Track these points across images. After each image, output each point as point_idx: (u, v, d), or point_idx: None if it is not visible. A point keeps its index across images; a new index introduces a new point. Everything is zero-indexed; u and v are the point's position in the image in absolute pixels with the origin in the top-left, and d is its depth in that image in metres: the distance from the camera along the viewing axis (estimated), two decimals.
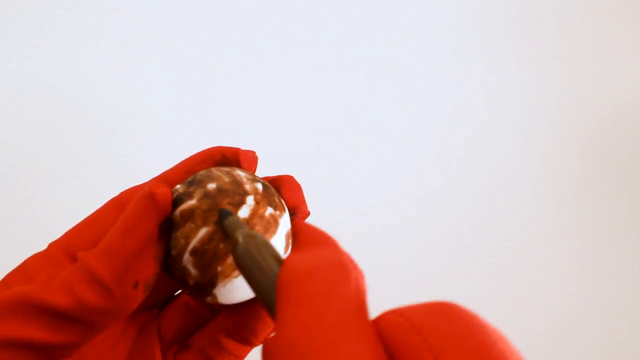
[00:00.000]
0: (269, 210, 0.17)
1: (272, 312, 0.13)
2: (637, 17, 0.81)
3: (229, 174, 0.18)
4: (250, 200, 0.17)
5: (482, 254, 0.69)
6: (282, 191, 0.19)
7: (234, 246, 0.15)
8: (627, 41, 0.80)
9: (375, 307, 0.67)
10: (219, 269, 0.16)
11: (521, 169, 0.73)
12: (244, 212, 0.17)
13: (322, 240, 0.14)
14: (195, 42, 0.75)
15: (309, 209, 0.70)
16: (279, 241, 0.17)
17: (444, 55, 0.77)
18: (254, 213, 0.17)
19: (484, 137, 0.74)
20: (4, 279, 0.17)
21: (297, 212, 0.19)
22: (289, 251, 0.17)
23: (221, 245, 0.16)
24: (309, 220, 0.71)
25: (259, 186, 0.18)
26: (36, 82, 0.72)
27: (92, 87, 0.72)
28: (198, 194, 0.17)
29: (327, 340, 0.10)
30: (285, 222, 0.17)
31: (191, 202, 0.17)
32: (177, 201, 0.17)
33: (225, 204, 0.17)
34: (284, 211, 0.18)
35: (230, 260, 0.16)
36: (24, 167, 0.68)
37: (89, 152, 0.70)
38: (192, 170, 0.19)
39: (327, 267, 0.12)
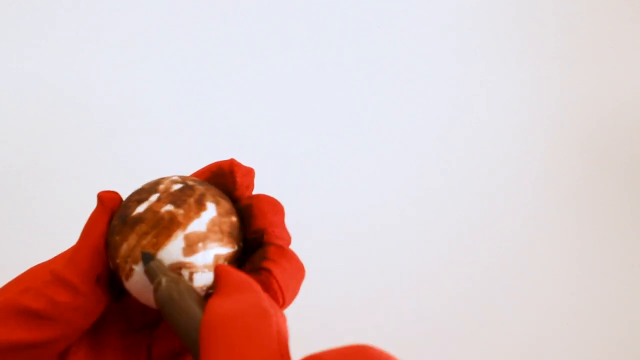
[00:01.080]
0: (167, 207, 0.17)
1: (195, 354, 0.13)
2: (637, 17, 0.81)
3: (164, 178, 0.18)
4: (153, 197, 0.17)
5: (482, 254, 0.69)
6: (255, 210, 0.19)
7: (155, 290, 0.15)
8: (627, 41, 0.80)
9: (376, 308, 0.67)
10: (117, 260, 0.17)
11: (521, 169, 0.73)
12: (141, 208, 0.17)
13: (243, 285, 0.14)
14: (195, 42, 0.75)
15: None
16: (177, 241, 0.16)
17: (444, 55, 0.77)
18: (149, 208, 0.17)
19: (484, 137, 0.74)
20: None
21: (269, 237, 0.18)
22: (197, 255, 0.17)
23: (116, 238, 0.17)
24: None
25: (176, 186, 0.18)
26: (36, 82, 0.72)
27: (92, 87, 0.72)
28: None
29: None
30: (195, 225, 0.17)
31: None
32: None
33: (133, 199, 0.18)
34: (197, 215, 0.17)
35: (123, 252, 0.17)
36: (24, 167, 0.68)
37: (89, 152, 0.70)
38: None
39: (248, 312, 0.13)
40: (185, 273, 0.16)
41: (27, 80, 0.72)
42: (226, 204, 0.18)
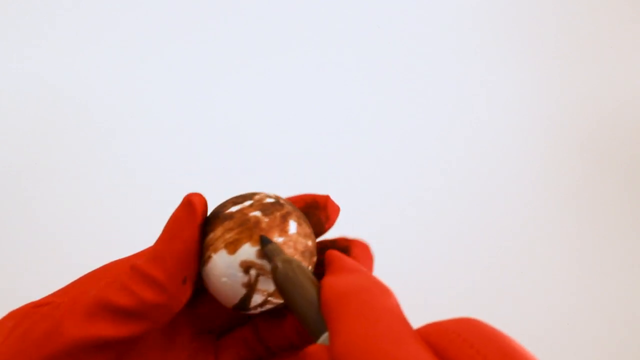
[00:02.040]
0: (255, 213, 0.19)
1: (314, 329, 0.15)
2: (637, 17, 0.81)
3: (263, 192, 0.20)
4: (247, 202, 0.19)
5: (482, 254, 0.69)
6: (352, 254, 0.20)
7: (273, 271, 0.17)
8: (627, 41, 0.80)
9: None
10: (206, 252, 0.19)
11: (521, 169, 0.73)
12: (234, 208, 0.19)
13: (356, 267, 0.16)
14: (195, 43, 0.75)
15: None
16: (255, 243, 0.19)
17: (444, 55, 0.78)
18: (240, 210, 0.19)
19: (484, 137, 0.74)
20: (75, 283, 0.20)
21: None
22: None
23: (206, 228, 0.19)
24: None
25: (269, 200, 0.20)
26: (36, 82, 0.72)
27: (92, 87, 0.72)
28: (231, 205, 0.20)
29: (390, 342, 0.12)
30: (274, 234, 0.19)
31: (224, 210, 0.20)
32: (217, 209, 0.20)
33: (230, 201, 0.20)
34: (278, 227, 0.19)
35: (207, 240, 0.19)
36: (24, 167, 0.68)
37: (89, 152, 0.70)
38: None
39: (369, 286, 0.14)
40: (252, 272, 0.18)
41: (27, 81, 0.72)
42: (307, 229, 0.20)
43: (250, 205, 0.19)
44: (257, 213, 0.19)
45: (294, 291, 0.16)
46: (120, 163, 0.69)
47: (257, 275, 0.18)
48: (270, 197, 0.20)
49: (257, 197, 0.20)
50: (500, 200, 0.72)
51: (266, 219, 0.19)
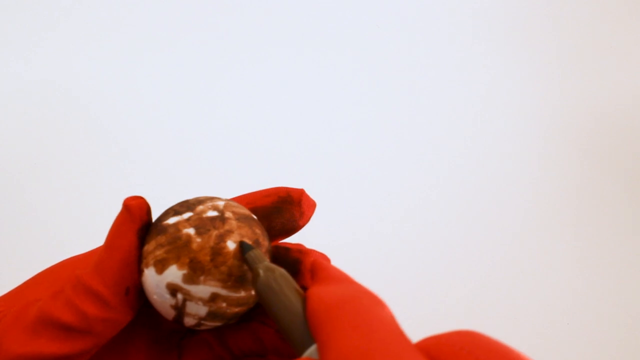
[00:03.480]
0: (189, 230, 0.17)
1: (299, 342, 0.14)
2: (637, 17, 0.81)
3: (214, 198, 0.18)
4: (186, 215, 0.18)
5: (482, 254, 0.69)
6: (303, 268, 0.19)
7: (254, 279, 0.16)
8: (627, 41, 0.80)
9: None
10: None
11: (521, 169, 0.73)
12: (171, 220, 0.17)
13: (343, 277, 0.15)
14: (196, 44, 0.75)
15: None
16: (181, 266, 0.17)
17: (444, 55, 0.77)
18: (175, 224, 0.17)
19: (484, 138, 0.74)
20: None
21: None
22: (196, 286, 0.17)
23: (145, 237, 0.18)
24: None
25: (211, 213, 0.18)
26: (37, 83, 0.72)
27: (92, 88, 0.72)
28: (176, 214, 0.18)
29: (388, 356, 0.11)
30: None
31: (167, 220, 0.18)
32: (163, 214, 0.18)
33: (173, 208, 0.18)
34: (211, 245, 0.17)
35: (142, 251, 0.17)
36: (24, 167, 0.68)
37: (89, 152, 0.70)
38: (255, 202, 0.20)
39: (360, 296, 0.13)
40: (179, 296, 0.17)
41: (28, 81, 0.72)
42: (265, 242, 0.19)
43: (187, 220, 0.17)
44: (191, 230, 0.17)
45: (276, 302, 0.15)
46: (120, 163, 0.69)
47: (184, 300, 0.17)
48: (215, 208, 0.18)
49: (200, 207, 0.18)
50: (500, 201, 0.72)
51: (198, 239, 0.17)
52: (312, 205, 0.20)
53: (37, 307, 0.16)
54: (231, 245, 0.17)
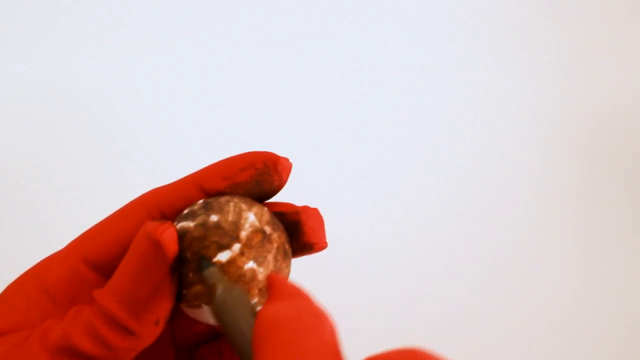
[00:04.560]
0: (250, 265, 0.17)
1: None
2: (637, 17, 0.81)
3: (241, 214, 0.18)
4: (236, 247, 0.17)
5: (482, 254, 0.69)
6: (304, 226, 0.19)
7: (211, 297, 0.16)
8: (627, 41, 0.80)
9: (378, 309, 0.67)
10: (185, 293, 0.17)
11: (521, 169, 0.73)
12: (223, 256, 0.17)
13: (294, 293, 0.15)
14: (196, 43, 0.75)
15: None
16: (253, 296, 0.17)
17: (444, 55, 0.78)
18: (232, 261, 0.17)
19: (484, 138, 0.74)
20: (18, 279, 0.18)
21: (315, 247, 0.19)
22: (260, 298, 0.18)
23: (190, 274, 0.17)
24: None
25: (258, 238, 0.18)
26: (37, 83, 0.72)
27: (92, 88, 0.72)
28: (197, 223, 0.17)
29: None
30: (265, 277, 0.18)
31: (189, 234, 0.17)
32: (182, 233, 0.17)
33: (212, 240, 0.17)
34: (271, 268, 0.17)
35: (194, 289, 0.17)
36: (24, 167, 0.68)
37: (89, 152, 0.70)
38: (233, 177, 0.19)
39: (302, 315, 0.13)
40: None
41: (28, 81, 0.72)
42: (288, 249, 0.19)
43: (242, 253, 0.17)
44: (252, 265, 0.17)
45: (231, 322, 0.15)
46: (120, 163, 0.69)
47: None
48: (255, 226, 0.18)
49: (243, 234, 0.17)
50: (500, 201, 0.72)
51: (261, 269, 0.17)
52: (288, 167, 0.19)
53: (59, 334, 0.16)
54: (282, 259, 0.18)
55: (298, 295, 0.14)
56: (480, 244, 0.70)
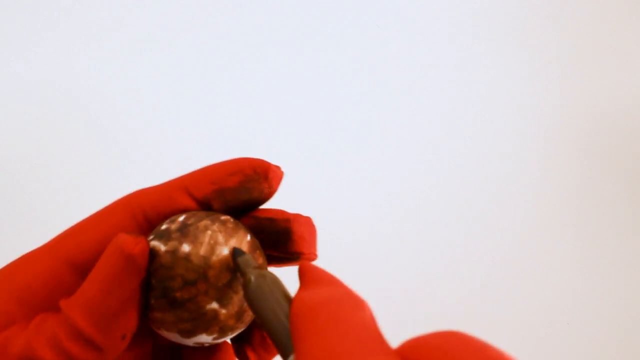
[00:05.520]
0: (213, 305, 0.17)
1: (283, 348, 0.13)
2: (637, 17, 0.81)
3: (216, 248, 0.17)
4: (202, 286, 0.17)
5: (482, 254, 0.69)
6: (294, 234, 0.19)
7: (246, 285, 0.15)
8: (627, 41, 0.80)
9: (378, 309, 0.67)
10: (147, 312, 0.17)
11: (521, 169, 0.73)
12: (186, 293, 0.17)
13: (329, 279, 0.14)
14: (196, 44, 0.75)
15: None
16: (211, 333, 0.17)
17: (444, 55, 0.77)
18: (195, 300, 0.17)
19: (484, 138, 0.74)
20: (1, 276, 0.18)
21: (303, 257, 0.19)
22: (223, 338, 0.17)
23: (153, 303, 0.17)
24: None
25: (226, 279, 0.17)
26: (37, 83, 0.72)
27: (92, 88, 0.72)
28: (168, 249, 0.17)
29: (358, 357, 0.11)
30: (231, 322, 0.17)
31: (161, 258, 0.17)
32: (153, 251, 0.17)
33: (179, 273, 0.17)
34: (236, 309, 0.17)
35: (157, 318, 0.17)
36: (24, 167, 0.68)
37: (89, 152, 0.70)
38: (220, 182, 0.18)
39: (339, 298, 0.13)
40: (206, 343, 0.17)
41: (28, 82, 0.72)
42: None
43: (206, 294, 0.16)
44: (215, 305, 0.16)
45: (266, 308, 0.14)
46: (120, 163, 0.69)
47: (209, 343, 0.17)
48: (226, 264, 0.17)
49: (211, 272, 0.17)
50: (500, 201, 0.72)
51: (224, 310, 0.17)
52: (279, 176, 0.19)
53: (21, 344, 0.15)
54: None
55: (332, 281, 0.14)
56: (480, 244, 0.70)
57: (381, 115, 0.74)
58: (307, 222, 0.19)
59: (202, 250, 0.17)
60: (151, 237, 0.17)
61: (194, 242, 0.17)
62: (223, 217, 0.18)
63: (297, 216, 0.19)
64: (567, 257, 0.70)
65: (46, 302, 0.17)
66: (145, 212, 0.18)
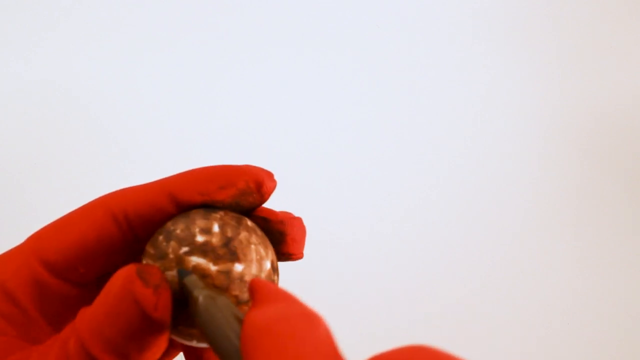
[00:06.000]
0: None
1: None
2: (637, 17, 0.81)
3: (259, 263, 0.17)
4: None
5: (482, 254, 0.69)
6: (287, 237, 0.18)
7: (193, 306, 0.15)
8: (627, 41, 0.80)
9: (379, 309, 0.67)
10: (180, 327, 0.16)
11: (521, 169, 0.73)
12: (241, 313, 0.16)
13: (281, 295, 0.14)
14: (196, 44, 0.75)
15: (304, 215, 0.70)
16: None
17: (444, 55, 0.77)
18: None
19: (484, 138, 0.74)
20: None
21: (292, 258, 0.19)
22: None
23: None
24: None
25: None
26: (37, 83, 0.72)
27: (92, 88, 0.72)
28: (221, 270, 0.16)
29: None
30: None
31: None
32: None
33: (234, 293, 0.16)
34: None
35: (193, 331, 0.16)
36: (24, 167, 0.68)
37: (89, 152, 0.70)
38: (211, 194, 0.17)
39: (292, 316, 0.12)
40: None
41: (28, 82, 0.72)
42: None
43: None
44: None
45: (215, 329, 0.14)
46: (120, 163, 0.69)
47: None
48: (270, 277, 0.17)
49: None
50: (500, 201, 0.72)
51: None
52: (272, 188, 0.18)
53: (35, 356, 0.15)
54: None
55: (285, 298, 0.14)
56: (480, 244, 0.70)
57: (381, 115, 0.74)
58: (300, 224, 0.19)
59: (254, 269, 0.16)
60: (185, 249, 0.16)
61: (245, 260, 0.16)
62: (250, 224, 0.17)
63: (291, 219, 0.18)
64: (567, 257, 0.70)
65: (21, 303, 0.16)
66: (127, 214, 0.17)
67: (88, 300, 0.18)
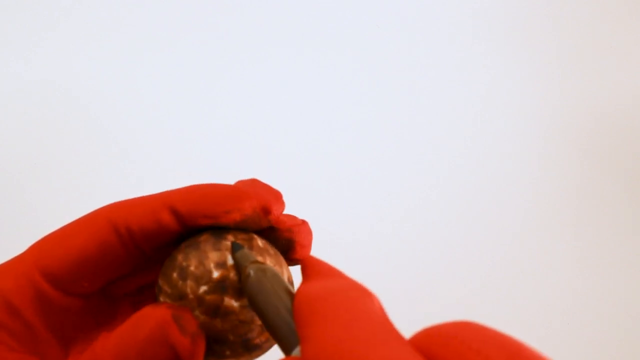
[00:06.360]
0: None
1: (286, 341, 0.13)
2: (637, 17, 0.81)
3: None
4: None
5: (482, 254, 0.69)
6: (297, 244, 0.18)
7: (245, 279, 0.15)
8: (627, 41, 0.80)
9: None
10: (217, 349, 0.16)
11: (521, 169, 0.73)
12: (263, 337, 0.16)
13: (333, 271, 0.14)
14: (196, 44, 0.75)
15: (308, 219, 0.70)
16: None
17: (444, 55, 0.77)
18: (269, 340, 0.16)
19: (484, 138, 0.74)
20: None
21: (300, 263, 0.19)
22: None
23: (227, 351, 0.16)
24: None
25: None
26: (37, 83, 0.72)
27: (92, 88, 0.72)
28: (243, 304, 0.16)
29: (367, 345, 0.10)
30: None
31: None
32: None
33: (259, 322, 0.16)
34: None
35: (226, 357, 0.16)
36: (24, 167, 0.68)
37: (89, 152, 0.70)
38: (216, 218, 0.17)
39: (348, 288, 0.12)
40: None
41: (28, 82, 0.72)
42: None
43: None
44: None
45: (266, 302, 0.14)
46: (120, 163, 0.69)
47: None
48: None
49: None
50: (500, 201, 0.72)
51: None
52: (281, 211, 0.18)
53: None
54: None
55: (336, 273, 0.14)
56: (480, 244, 0.70)
57: (381, 115, 0.74)
58: (307, 229, 0.19)
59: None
60: (204, 289, 0.16)
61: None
62: (261, 244, 0.17)
63: (299, 227, 0.18)
64: (567, 257, 0.70)
65: (24, 316, 0.16)
66: (129, 226, 0.17)
67: (90, 311, 0.18)
